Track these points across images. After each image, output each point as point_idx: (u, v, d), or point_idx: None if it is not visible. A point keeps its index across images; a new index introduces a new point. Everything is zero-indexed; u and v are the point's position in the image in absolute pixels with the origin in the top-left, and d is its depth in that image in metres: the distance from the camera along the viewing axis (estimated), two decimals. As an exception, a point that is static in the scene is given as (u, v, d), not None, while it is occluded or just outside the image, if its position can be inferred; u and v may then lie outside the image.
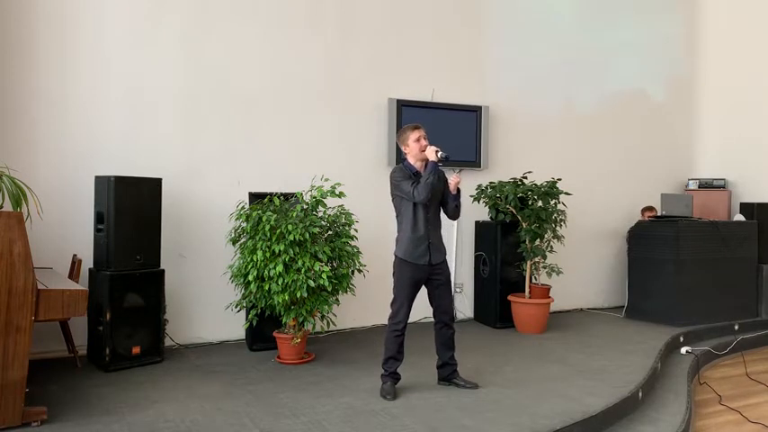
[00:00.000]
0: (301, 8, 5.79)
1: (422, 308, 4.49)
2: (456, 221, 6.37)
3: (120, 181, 4.52)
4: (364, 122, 6.10)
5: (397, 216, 4.10)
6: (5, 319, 3.24)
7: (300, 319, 4.61)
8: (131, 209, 4.57)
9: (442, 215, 4.16)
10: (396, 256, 4.05)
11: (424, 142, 3.99)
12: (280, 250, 4.44)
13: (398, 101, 6.12)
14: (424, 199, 3.89)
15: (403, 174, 3.99)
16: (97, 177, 4.68)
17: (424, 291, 4.12)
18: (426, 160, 3.97)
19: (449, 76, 6.51)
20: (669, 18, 8.06)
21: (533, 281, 6.06)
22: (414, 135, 4.01)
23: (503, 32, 6.85)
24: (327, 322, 4.82)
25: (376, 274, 5.09)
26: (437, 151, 3.91)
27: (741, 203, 7.32)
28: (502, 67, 6.83)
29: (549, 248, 6.05)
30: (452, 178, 4.06)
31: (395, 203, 4.08)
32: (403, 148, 4.10)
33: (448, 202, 4.10)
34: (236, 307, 4.83)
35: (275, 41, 5.67)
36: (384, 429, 3.41)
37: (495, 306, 6.16)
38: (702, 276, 6.39)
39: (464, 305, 6.55)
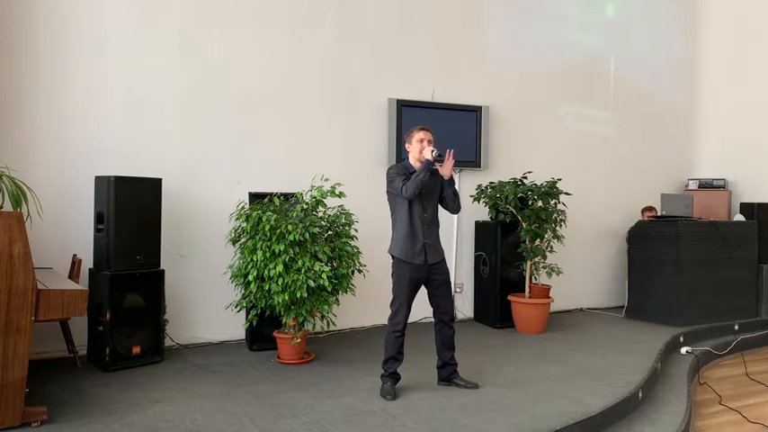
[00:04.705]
0: (301, 8, 5.78)
1: (422, 308, 4.49)
2: (456, 221, 6.39)
3: (120, 181, 4.52)
4: (364, 122, 6.10)
5: (391, 215, 4.10)
6: (5, 319, 3.24)
7: (300, 319, 4.61)
8: (131, 209, 4.57)
9: (444, 213, 4.15)
10: (392, 255, 4.05)
11: (425, 144, 4.00)
12: (280, 250, 4.44)
13: (398, 101, 6.12)
14: (411, 195, 3.89)
15: (398, 171, 4.01)
16: (97, 177, 4.67)
17: (424, 291, 4.12)
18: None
19: (449, 76, 6.51)
20: (669, 18, 8.06)
21: (533, 281, 6.06)
22: (419, 135, 4.02)
23: (503, 32, 6.85)
24: (327, 322, 4.82)
25: (376, 274, 5.08)
26: (432, 151, 3.92)
27: (741, 203, 7.32)
28: (502, 67, 6.83)
29: (549, 248, 6.05)
30: (446, 157, 3.92)
31: (389, 201, 4.09)
32: (407, 146, 4.11)
33: (445, 194, 4.08)
34: (236, 307, 4.83)
35: (275, 41, 5.67)
36: (384, 429, 3.41)
37: (495, 306, 6.16)
38: (702, 276, 6.39)
39: (464, 305, 6.55)
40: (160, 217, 4.80)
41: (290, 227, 4.44)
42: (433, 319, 4.18)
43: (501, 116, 6.79)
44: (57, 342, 4.61)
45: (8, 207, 3.85)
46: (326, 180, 4.82)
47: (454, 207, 4.13)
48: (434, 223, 4.09)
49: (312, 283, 4.46)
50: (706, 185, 7.84)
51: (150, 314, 4.66)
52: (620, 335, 5.86)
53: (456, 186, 4.12)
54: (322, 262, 4.56)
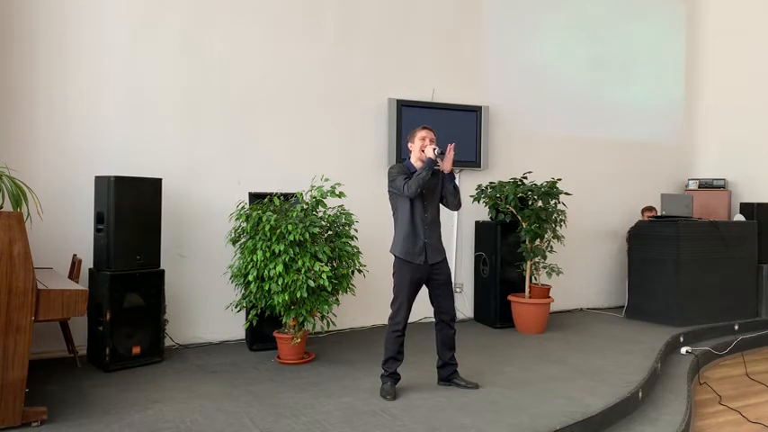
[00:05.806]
0: (301, 8, 5.79)
1: (422, 308, 4.49)
2: (456, 221, 6.40)
3: (120, 181, 4.52)
4: (364, 122, 6.10)
5: (393, 214, 4.11)
6: (5, 319, 3.24)
7: (300, 319, 4.61)
8: (131, 209, 4.57)
9: (445, 213, 4.15)
10: (394, 255, 4.05)
11: (427, 143, 4.01)
12: (280, 250, 4.44)
13: (398, 101, 6.12)
14: (413, 194, 3.90)
15: (399, 170, 4.02)
16: (97, 177, 4.67)
17: (425, 291, 4.13)
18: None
19: (449, 76, 6.51)
20: (669, 18, 8.06)
21: (533, 281, 6.06)
22: (421, 134, 4.04)
23: (503, 33, 6.85)
24: (327, 322, 4.82)
25: (376, 274, 5.09)
26: (435, 149, 3.94)
27: (741, 203, 7.32)
28: (502, 67, 6.83)
29: (549, 248, 6.05)
30: (447, 150, 3.97)
31: (391, 201, 4.10)
32: (409, 145, 4.13)
33: (445, 191, 4.08)
34: (236, 307, 4.83)
35: (276, 41, 5.67)
36: (384, 429, 3.41)
37: (495, 306, 6.16)
38: (702, 276, 6.39)
39: (464, 305, 6.55)
40: (160, 217, 4.80)
41: (290, 227, 4.44)
42: (433, 319, 4.19)
43: (501, 116, 6.79)
44: (57, 342, 4.61)
45: (8, 207, 3.85)
46: (326, 180, 4.82)
47: (455, 203, 4.11)
48: (436, 223, 4.09)
49: (312, 283, 4.46)
50: (706, 185, 7.84)
51: (150, 314, 4.66)
52: (620, 335, 5.86)
53: (456, 182, 4.12)
54: (322, 262, 4.56)
